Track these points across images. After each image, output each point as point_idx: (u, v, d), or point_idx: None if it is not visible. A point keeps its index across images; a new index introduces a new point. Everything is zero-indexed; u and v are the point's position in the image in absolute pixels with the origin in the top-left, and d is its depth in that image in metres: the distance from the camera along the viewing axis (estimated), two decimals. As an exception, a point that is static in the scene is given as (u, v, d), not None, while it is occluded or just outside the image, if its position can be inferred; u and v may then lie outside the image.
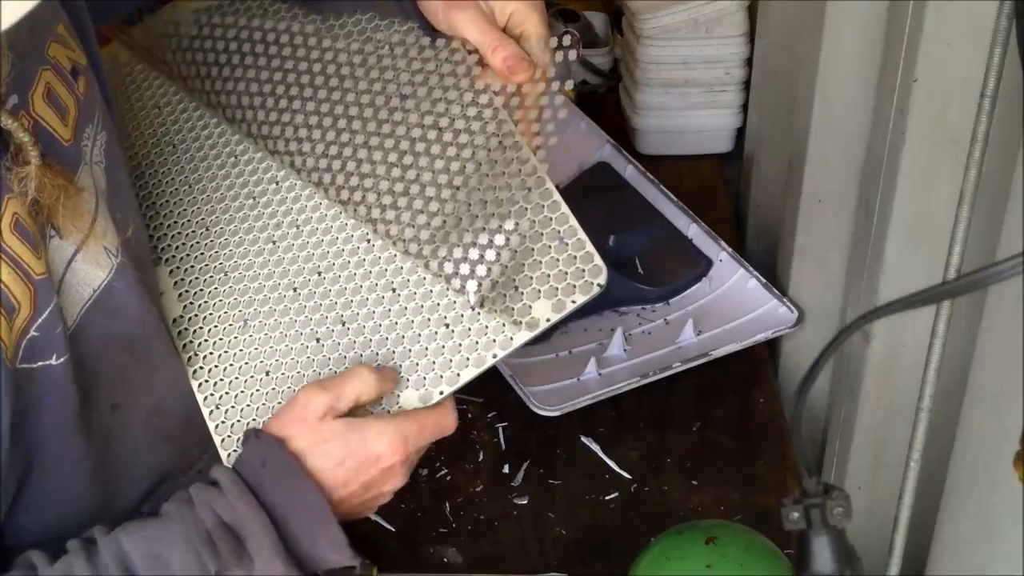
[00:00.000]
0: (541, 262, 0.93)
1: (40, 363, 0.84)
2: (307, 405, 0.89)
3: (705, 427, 1.41)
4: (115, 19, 1.20)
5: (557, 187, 1.65)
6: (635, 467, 1.36)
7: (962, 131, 0.92)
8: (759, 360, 1.50)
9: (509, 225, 0.93)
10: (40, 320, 0.83)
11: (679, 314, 1.51)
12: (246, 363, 0.99)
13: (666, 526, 1.15)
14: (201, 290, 1.04)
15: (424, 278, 0.95)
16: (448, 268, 0.92)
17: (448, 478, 1.35)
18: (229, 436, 0.96)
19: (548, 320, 0.91)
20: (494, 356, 0.90)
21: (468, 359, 0.90)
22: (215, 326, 1.02)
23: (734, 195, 1.82)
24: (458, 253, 0.92)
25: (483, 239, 0.92)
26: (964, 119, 0.91)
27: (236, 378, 0.99)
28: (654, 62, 1.77)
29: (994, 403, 1.01)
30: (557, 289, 0.92)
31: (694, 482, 1.34)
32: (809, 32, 1.37)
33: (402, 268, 0.96)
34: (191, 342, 1.01)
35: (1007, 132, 0.96)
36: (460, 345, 0.91)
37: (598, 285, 0.93)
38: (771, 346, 1.53)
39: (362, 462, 0.89)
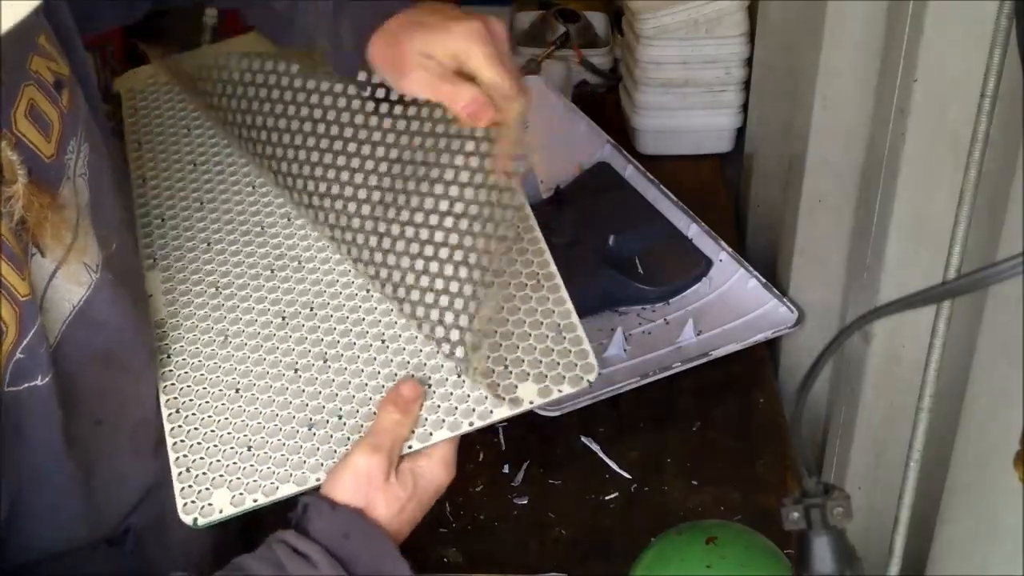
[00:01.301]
0: (536, 347, 0.95)
1: (26, 384, 0.84)
2: (371, 472, 0.90)
3: (705, 427, 1.41)
4: (106, 27, 1.19)
5: (557, 188, 1.66)
6: (635, 467, 1.36)
7: (962, 131, 0.92)
8: (759, 360, 1.50)
9: (510, 305, 0.97)
10: (25, 342, 0.83)
11: (679, 314, 1.51)
12: (218, 376, 0.99)
13: (666, 526, 1.15)
14: (189, 299, 1.05)
15: (416, 337, 0.97)
16: (440, 332, 0.94)
17: (448, 478, 1.35)
18: (183, 441, 0.95)
19: (531, 403, 0.93)
20: (471, 424, 0.93)
21: (444, 421, 0.93)
22: (195, 335, 1.02)
23: (734, 195, 1.82)
24: (450, 319, 0.93)
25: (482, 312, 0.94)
26: (964, 119, 0.91)
27: (204, 388, 0.99)
28: (654, 62, 1.77)
29: (994, 403, 1.01)
30: (547, 376, 0.94)
31: (694, 482, 1.34)
32: (809, 32, 1.37)
33: (396, 323, 0.98)
34: (167, 344, 1.02)
35: (1007, 132, 0.96)
36: (439, 407, 0.93)
37: (588, 381, 0.94)
38: (771, 346, 1.53)
39: (432, 496, 0.95)
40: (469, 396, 0.93)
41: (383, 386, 0.95)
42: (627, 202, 1.64)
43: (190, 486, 0.93)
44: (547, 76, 1.89)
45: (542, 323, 0.97)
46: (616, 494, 1.33)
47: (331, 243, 1.04)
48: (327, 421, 0.95)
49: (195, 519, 0.91)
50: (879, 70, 1.26)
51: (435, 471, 0.93)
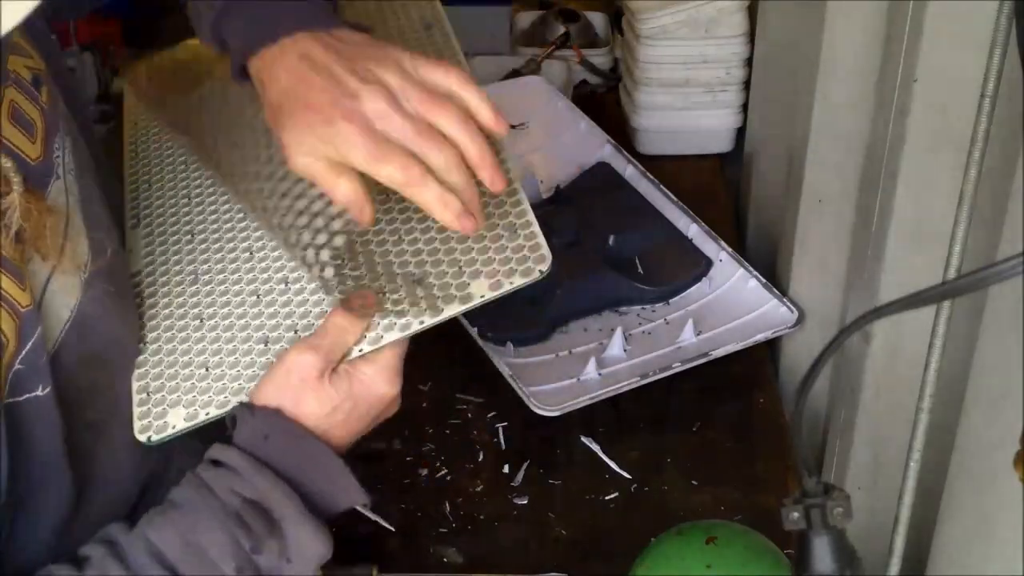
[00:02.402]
0: (490, 247, 0.96)
1: (26, 395, 0.83)
2: (302, 369, 0.89)
3: (705, 427, 1.41)
4: (73, 16, 1.19)
5: (557, 187, 1.66)
6: (635, 467, 1.36)
7: (962, 131, 0.92)
8: (759, 360, 1.50)
9: None
10: (24, 352, 0.82)
11: (679, 314, 1.51)
12: (185, 310, 1.01)
13: (666, 526, 1.15)
14: (166, 247, 1.07)
15: (374, 252, 0.99)
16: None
17: (448, 478, 1.35)
18: (145, 370, 0.97)
19: (482, 296, 0.93)
20: (421, 323, 0.93)
21: (396, 323, 0.93)
22: (168, 277, 1.04)
23: (734, 195, 1.82)
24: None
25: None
26: (964, 119, 0.91)
27: (171, 321, 1.00)
28: (654, 62, 1.77)
29: (994, 403, 1.01)
30: (498, 271, 0.94)
31: (694, 482, 1.34)
32: (809, 32, 1.37)
33: (355, 242, 1.00)
34: (141, 289, 1.04)
35: (1007, 132, 0.96)
36: (391, 311, 0.94)
37: (539, 271, 0.94)
38: (771, 346, 1.53)
39: (371, 405, 0.92)
40: (422, 297, 0.94)
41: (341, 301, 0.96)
42: (627, 202, 1.64)
43: (148, 408, 0.94)
44: (547, 76, 1.89)
45: (497, 224, 0.97)
46: (616, 494, 1.33)
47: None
48: (283, 336, 0.96)
49: (149, 437, 0.92)
50: (879, 70, 1.26)
51: (375, 378, 0.91)
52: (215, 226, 1.08)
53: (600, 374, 1.41)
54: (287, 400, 0.89)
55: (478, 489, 1.34)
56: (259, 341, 0.96)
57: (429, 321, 0.93)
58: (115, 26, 3.74)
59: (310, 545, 0.87)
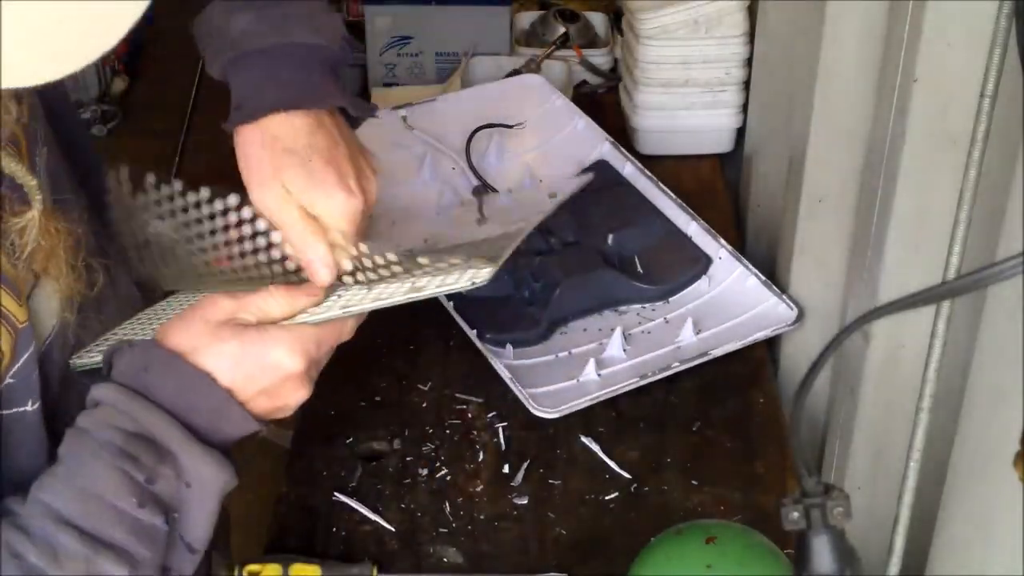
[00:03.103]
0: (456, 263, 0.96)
1: (15, 409, 0.82)
2: (210, 307, 0.87)
3: (705, 427, 1.41)
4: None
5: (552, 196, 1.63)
6: (635, 467, 1.36)
7: (962, 131, 0.92)
8: (759, 360, 1.50)
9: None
10: (17, 366, 0.82)
11: (679, 313, 1.51)
12: None
13: (666, 526, 1.15)
14: None
15: None
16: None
17: (448, 478, 1.35)
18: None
19: (432, 292, 0.93)
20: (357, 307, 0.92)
21: (333, 304, 0.93)
22: None
23: (734, 195, 1.82)
24: None
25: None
26: (964, 119, 0.91)
27: None
28: (654, 62, 1.77)
29: (994, 403, 1.01)
30: (453, 267, 0.94)
31: (694, 482, 1.34)
32: (809, 32, 1.37)
33: None
34: None
35: (1007, 132, 0.96)
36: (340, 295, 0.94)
37: (487, 273, 0.93)
38: (771, 346, 1.53)
39: (262, 368, 0.86)
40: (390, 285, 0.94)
41: None
42: (626, 201, 1.64)
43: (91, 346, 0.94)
44: (547, 76, 1.89)
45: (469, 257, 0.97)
46: (616, 494, 1.33)
47: None
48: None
49: (74, 362, 0.91)
50: (879, 70, 1.26)
51: (280, 342, 0.87)
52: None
53: (600, 375, 1.41)
54: (183, 337, 0.86)
55: (478, 489, 1.34)
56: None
57: (369, 305, 0.91)
58: (115, 26, 3.73)
59: (205, 470, 0.83)
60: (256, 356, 0.86)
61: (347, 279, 0.97)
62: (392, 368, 1.46)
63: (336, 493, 1.31)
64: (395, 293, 0.92)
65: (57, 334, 0.88)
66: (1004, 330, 0.98)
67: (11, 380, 0.82)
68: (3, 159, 0.80)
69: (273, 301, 0.88)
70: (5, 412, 0.82)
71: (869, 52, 1.27)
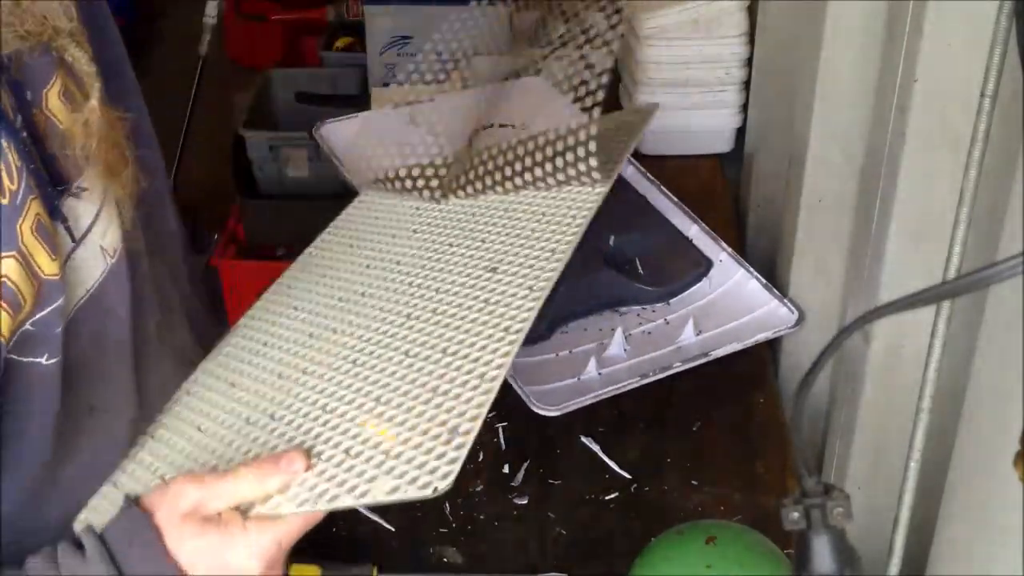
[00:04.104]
0: (420, 444, 0.87)
1: (29, 359, 0.84)
2: (177, 496, 0.82)
3: (705, 427, 1.41)
4: None
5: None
6: (635, 467, 1.36)
7: (962, 131, 0.92)
8: (759, 360, 1.50)
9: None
10: (39, 316, 0.83)
11: (679, 314, 1.51)
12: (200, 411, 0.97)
13: (666, 526, 1.15)
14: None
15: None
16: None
17: (448, 478, 1.35)
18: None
19: (375, 499, 0.86)
20: (311, 505, 0.84)
21: (299, 498, 0.85)
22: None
23: (734, 195, 1.82)
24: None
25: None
26: (964, 119, 0.91)
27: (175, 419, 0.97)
28: (654, 62, 1.77)
29: (994, 403, 1.01)
30: (403, 474, 0.86)
31: (694, 482, 1.34)
32: (809, 32, 1.37)
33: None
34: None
35: (1007, 132, 0.96)
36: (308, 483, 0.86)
37: (434, 488, 0.86)
38: (771, 346, 1.53)
39: (220, 569, 0.82)
40: (332, 478, 0.85)
41: (321, 454, 0.88)
42: (627, 203, 1.64)
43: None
44: (547, 76, 1.89)
45: (445, 422, 0.88)
46: (616, 494, 1.33)
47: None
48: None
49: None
50: (879, 70, 1.26)
51: (240, 544, 0.82)
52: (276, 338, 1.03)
53: (600, 374, 1.41)
54: (158, 516, 0.82)
55: (478, 489, 1.34)
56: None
57: (323, 507, 0.84)
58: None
59: None
60: (213, 558, 0.82)
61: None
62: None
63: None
64: (374, 491, 0.86)
65: (93, 297, 0.89)
66: (1004, 330, 0.98)
67: (31, 328, 0.83)
68: (68, 45, 0.80)
69: (245, 484, 0.83)
70: (20, 358, 0.83)
71: (869, 52, 1.27)
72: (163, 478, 0.89)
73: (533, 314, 0.94)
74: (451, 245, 1.11)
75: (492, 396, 0.87)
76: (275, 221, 2.72)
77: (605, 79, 1.07)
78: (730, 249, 1.55)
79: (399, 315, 1.00)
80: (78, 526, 0.86)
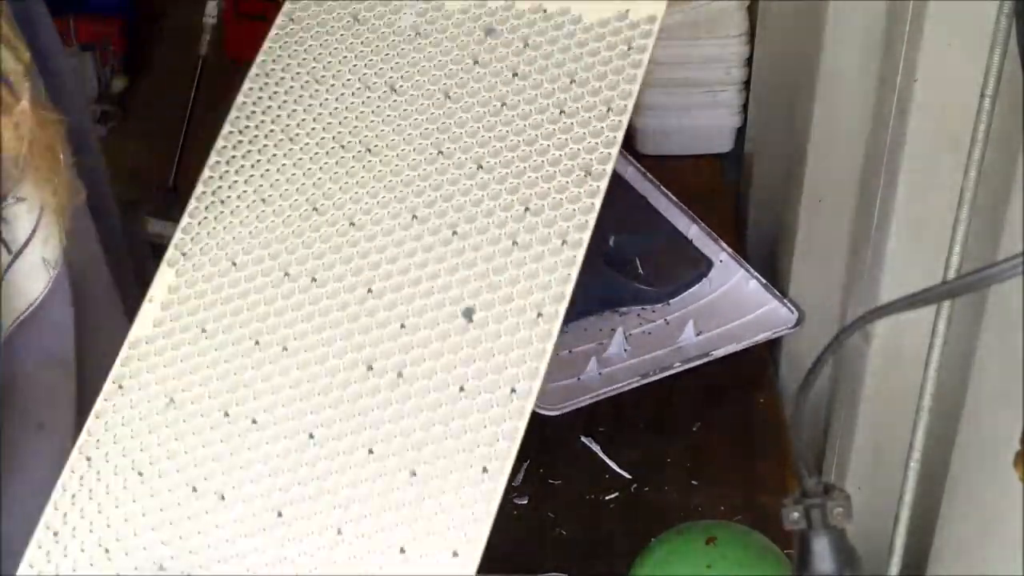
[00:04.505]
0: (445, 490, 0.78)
1: None
2: None
3: (705, 427, 1.41)
4: None
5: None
6: (635, 467, 1.36)
7: (962, 131, 0.92)
8: (759, 360, 1.50)
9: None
10: None
11: (679, 314, 1.51)
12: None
13: (666, 526, 1.16)
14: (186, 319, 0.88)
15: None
16: None
17: (448, 478, 1.35)
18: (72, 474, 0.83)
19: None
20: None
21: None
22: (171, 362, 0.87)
23: (734, 195, 1.82)
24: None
25: None
26: (964, 119, 0.91)
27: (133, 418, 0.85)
28: (654, 62, 1.77)
29: (994, 403, 1.01)
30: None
31: (694, 482, 1.34)
32: (809, 32, 1.37)
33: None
34: (140, 364, 0.87)
35: (1007, 132, 0.96)
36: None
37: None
38: (771, 346, 1.53)
39: None
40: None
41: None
42: (628, 203, 1.64)
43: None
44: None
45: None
46: (616, 494, 1.33)
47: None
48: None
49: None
50: (879, 70, 1.26)
51: None
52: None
53: (600, 374, 1.41)
54: None
55: (478, 489, 1.34)
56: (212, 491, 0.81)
57: None
58: (115, 26, 3.74)
59: None
60: None
61: None
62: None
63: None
64: None
65: (35, 312, 0.84)
66: (1004, 330, 0.98)
67: None
68: None
69: None
70: None
71: (869, 52, 1.27)
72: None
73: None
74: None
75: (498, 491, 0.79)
76: (275, 221, 2.72)
77: None
78: (730, 249, 1.55)
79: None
80: None
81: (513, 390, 0.78)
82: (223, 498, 0.80)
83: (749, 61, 1.77)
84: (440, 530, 0.77)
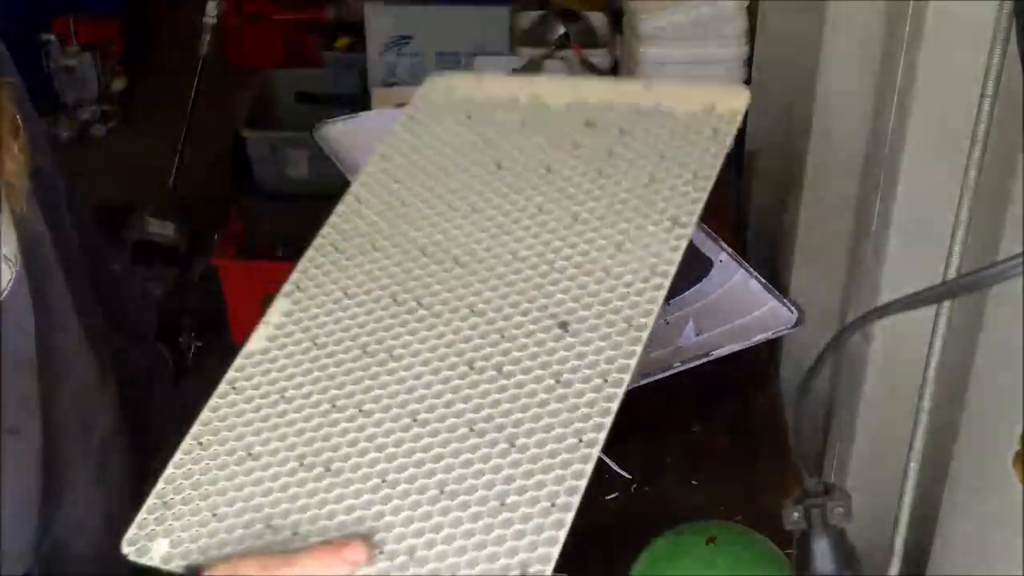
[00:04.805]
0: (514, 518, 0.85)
1: None
2: (237, 572, 0.80)
3: (705, 427, 1.41)
4: None
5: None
6: (635, 467, 1.36)
7: (962, 131, 0.92)
8: (759, 360, 1.49)
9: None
10: None
11: (679, 314, 1.51)
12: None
13: (666, 526, 1.15)
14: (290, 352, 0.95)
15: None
16: None
17: (448, 478, 1.35)
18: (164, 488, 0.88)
19: None
20: None
21: None
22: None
23: (735, 195, 1.82)
24: None
25: None
26: (964, 119, 0.91)
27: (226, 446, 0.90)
28: (654, 62, 1.77)
29: (994, 403, 1.01)
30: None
31: (694, 482, 1.34)
32: (809, 32, 1.37)
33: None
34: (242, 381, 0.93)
35: (1007, 132, 0.96)
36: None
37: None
38: (771, 346, 1.53)
39: None
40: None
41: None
42: (627, 202, 1.64)
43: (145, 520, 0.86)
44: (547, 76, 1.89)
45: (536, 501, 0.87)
46: (616, 494, 1.33)
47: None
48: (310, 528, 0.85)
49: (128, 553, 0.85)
50: (879, 70, 1.26)
51: None
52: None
53: (600, 374, 1.41)
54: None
55: (478, 489, 1.34)
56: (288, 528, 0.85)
57: None
58: (115, 26, 3.74)
59: None
60: None
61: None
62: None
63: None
64: None
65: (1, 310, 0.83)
66: (1004, 330, 0.98)
67: None
68: None
69: (307, 572, 0.81)
70: None
71: (869, 52, 1.27)
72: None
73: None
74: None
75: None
76: (275, 221, 2.72)
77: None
78: (730, 249, 1.55)
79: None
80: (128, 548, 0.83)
81: (605, 380, 0.87)
82: (329, 469, 0.87)
83: (749, 61, 1.77)
84: (538, 485, 0.86)
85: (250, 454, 0.90)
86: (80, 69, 3.54)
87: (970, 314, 1.05)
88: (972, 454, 1.06)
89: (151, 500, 0.88)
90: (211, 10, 2.91)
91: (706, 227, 1.58)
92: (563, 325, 0.91)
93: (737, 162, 1.84)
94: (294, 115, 2.68)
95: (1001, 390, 0.97)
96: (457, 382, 0.90)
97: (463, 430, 0.87)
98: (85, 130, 3.59)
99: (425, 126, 1.14)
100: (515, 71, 1.93)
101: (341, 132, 1.67)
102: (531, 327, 0.92)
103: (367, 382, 0.92)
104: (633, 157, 1.05)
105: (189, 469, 0.90)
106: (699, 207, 1.03)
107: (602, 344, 0.89)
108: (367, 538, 0.83)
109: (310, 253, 1.01)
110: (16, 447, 0.88)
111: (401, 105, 1.75)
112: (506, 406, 0.87)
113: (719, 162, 1.03)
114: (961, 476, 1.08)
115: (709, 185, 1.04)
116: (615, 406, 0.85)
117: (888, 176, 1.20)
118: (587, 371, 0.88)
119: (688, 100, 1.07)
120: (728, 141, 1.05)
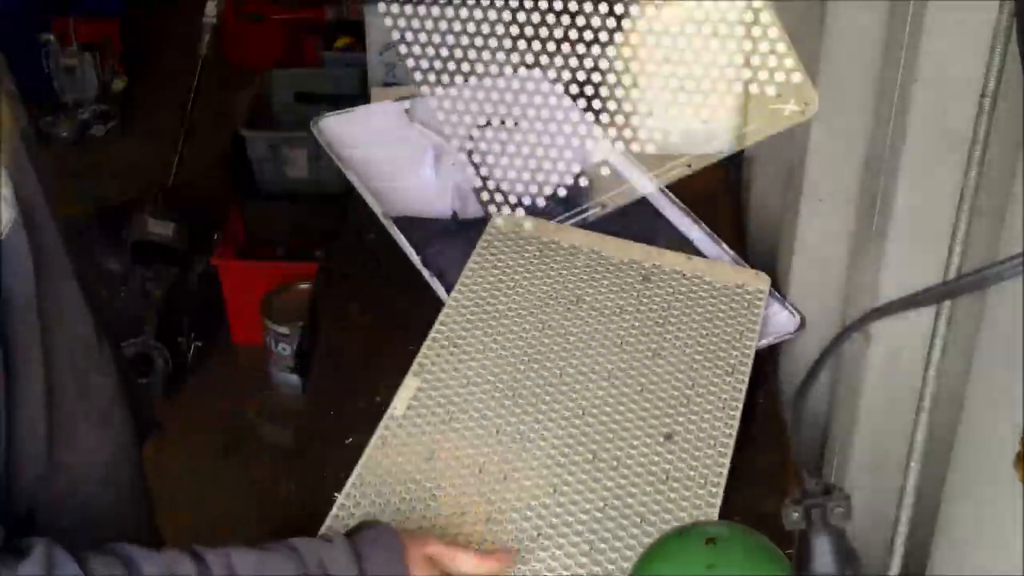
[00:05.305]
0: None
1: None
2: (426, 538, 1.05)
3: (705, 427, 1.41)
4: None
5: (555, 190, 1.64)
6: (635, 467, 1.36)
7: (962, 131, 0.92)
8: (759, 360, 1.49)
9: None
10: None
11: (679, 314, 1.51)
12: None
13: (666, 526, 1.15)
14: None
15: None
16: None
17: (448, 478, 1.35)
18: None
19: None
20: None
21: None
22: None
23: (735, 196, 1.82)
24: None
25: None
26: (964, 119, 0.91)
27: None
28: (654, 62, 1.77)
29: (994, 403, 1.01)
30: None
31: (694, 482, 1.34)
32: (809, 32, 1.37)
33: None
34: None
35: (1007, 132, 0.96)
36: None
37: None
38: (772, 346, 1.52)
39: None
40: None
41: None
42: (629, 206, 1.63)
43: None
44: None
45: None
46: (616, 494, 1.33)
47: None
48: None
49: None
50: (879, 70, 1.26)
51: None
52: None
53: (600, 374, 1.42)
54: (405, 538, 1.03)
55: (478, 489, 1.34)
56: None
57: None
58: (115, 26, 3.74)
59: None
60: None
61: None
62: (392, 368, 1.46)
63: (336, 493, 1.31)
64: None
65: None
66: (1005, 330, 0.98)
67: None
68: None
69: (465, 558, 1.06)
70: None
71: (869, 52, 1.27)
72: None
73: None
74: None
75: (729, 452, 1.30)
76: (275, 221, 2.72)
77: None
78: (732, 252, 1.55)
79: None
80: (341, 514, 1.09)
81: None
82: (490, 520, 1.18)
83: (749, 61, 1.77)
84: (698, 424, 1.27)
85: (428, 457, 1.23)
86: (80, 69, 3.54)
87: (970, 314, 1.05)
88: (972, 454, 1.06)
89: (347, 488, 1.20)
90: (211, 10, 2.91)
91: (707, 228, 1.58)
92: (668, 436, 1.26)
93: (737, 163, 1.84)
94: (294, 115, 2.68)
95: (1001, 390, 0.97)
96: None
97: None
98: (85, 130, 3.59)
99: (499, 256, 1.47)
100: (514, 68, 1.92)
101: (339, 126, 1.67)
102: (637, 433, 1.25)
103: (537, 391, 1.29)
104: (687, 311, 1.39)
105: (381, 457, 1.23)
106: (750, 361, 1.37)
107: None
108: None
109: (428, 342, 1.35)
110: (19, 384, 0.89)
111: (401, 99, 1.76)
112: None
113: (756, 328, 1.39)
114: (961, 476, 1.08)
115: (751, 354, 1.36)
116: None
117: (888, 176, 1.20)
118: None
119: (723, 275, 1.45)
120: (760, 313, 1.40)
